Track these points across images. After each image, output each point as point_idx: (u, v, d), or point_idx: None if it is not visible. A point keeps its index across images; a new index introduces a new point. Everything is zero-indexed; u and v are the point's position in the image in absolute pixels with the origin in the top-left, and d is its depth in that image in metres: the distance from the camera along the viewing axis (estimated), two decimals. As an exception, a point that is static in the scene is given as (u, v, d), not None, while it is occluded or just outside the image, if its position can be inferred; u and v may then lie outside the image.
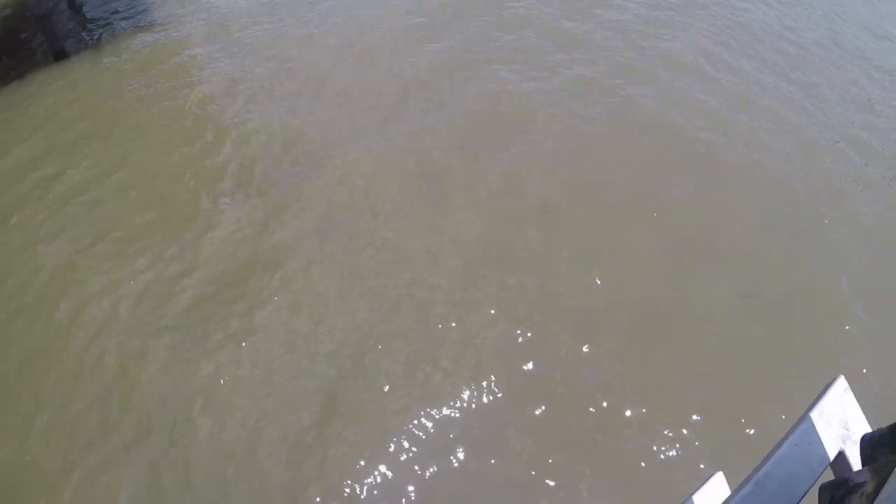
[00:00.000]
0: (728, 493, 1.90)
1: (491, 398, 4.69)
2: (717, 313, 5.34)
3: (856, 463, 1.40)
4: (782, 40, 9.38)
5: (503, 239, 5.90)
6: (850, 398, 1.67)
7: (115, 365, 4.94)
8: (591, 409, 4.64)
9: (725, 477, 1.93)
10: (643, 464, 4.31)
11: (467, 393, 4.71)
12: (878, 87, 8.63)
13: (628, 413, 4.61)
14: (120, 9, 10.23)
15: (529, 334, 5.10)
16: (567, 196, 6.39)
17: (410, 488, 4.19)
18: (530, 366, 4.89)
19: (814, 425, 1.53)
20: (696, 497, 1.85)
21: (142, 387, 4.79)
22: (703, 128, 7.36)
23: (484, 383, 4.77)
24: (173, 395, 4.73)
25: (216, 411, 4.62)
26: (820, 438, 1.51)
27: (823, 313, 5.48)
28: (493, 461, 4.33)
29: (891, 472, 1.00)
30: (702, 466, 4.31)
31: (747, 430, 4.56)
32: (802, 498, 1.34)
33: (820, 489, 1.05)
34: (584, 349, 5.00)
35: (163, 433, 4.50)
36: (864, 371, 4.96)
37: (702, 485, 1.88)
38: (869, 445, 1.31)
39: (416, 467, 4.29)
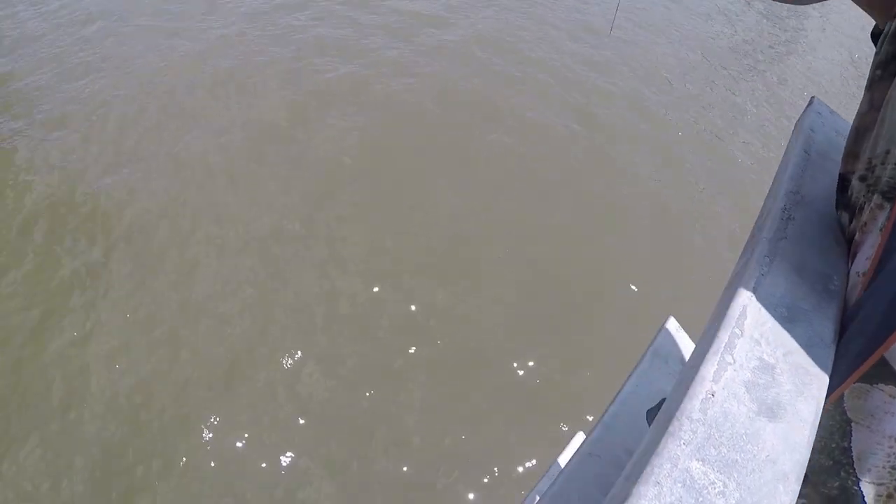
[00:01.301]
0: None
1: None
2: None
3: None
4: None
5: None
6: (683, 335, 1.78)
7: None
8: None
9: (585, 434, 1.95)
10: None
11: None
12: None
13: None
14: None
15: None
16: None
17: None
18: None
19: (652, 364, 1.59)
20: (560, 459, 1.85)
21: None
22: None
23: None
24: None
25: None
26: (659, 375, 1.58)
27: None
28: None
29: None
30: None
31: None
32: (650, 433, 1.36)
33: (647, 413, 1.06)
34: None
35: None
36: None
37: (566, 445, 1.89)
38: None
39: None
